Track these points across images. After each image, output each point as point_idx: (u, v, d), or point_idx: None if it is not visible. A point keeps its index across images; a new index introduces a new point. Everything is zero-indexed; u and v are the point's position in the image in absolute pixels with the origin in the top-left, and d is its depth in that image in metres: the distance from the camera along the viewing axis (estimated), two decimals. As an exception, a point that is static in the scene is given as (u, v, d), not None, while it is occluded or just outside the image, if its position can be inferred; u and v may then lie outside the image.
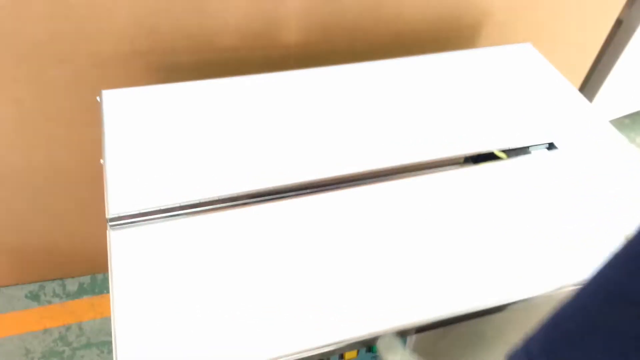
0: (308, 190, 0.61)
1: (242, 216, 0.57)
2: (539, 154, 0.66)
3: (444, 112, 0.71)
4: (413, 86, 0.75)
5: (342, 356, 0.54)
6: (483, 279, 0.53)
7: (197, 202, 0.58)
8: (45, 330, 1.06)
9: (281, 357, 0.46)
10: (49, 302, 1.11)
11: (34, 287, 1.13)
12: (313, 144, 0.66)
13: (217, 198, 0.58)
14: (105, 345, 1.04)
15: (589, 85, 1.33)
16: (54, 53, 0.74)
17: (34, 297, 1.11)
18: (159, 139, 0.64)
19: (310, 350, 0.47)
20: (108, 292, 0.49)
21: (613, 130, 0.70)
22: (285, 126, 0.68)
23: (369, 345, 0.52)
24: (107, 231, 0.54)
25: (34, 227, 0.98)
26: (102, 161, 0.61)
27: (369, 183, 0.62)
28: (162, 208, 0.56)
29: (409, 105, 0.72)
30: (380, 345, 0.49)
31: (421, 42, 0.90)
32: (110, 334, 0.48)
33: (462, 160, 0.66)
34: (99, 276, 1.15)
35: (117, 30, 0.73)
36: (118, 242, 0.53)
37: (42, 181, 0.90)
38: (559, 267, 0.54)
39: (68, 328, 1.07)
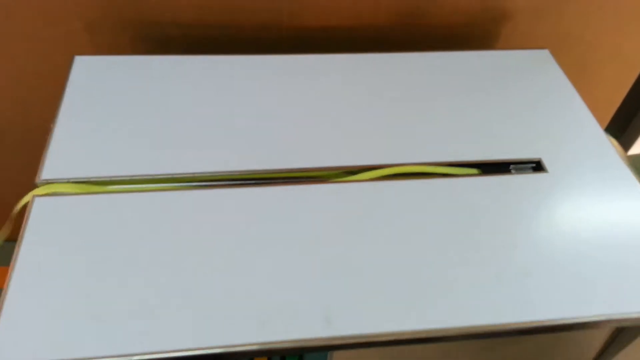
0: (266, 181, 0.57)
1: (182, 199, 0.54)
2: (521, 174, 0.59)
3: (431, 115, 0.65)
4: (405, 84, 0.69)
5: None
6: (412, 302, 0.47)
7: (133, 178, 0.55)
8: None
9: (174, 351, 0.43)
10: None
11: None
12: (283, 134, 0.62)
13: (156, 177, 0.56)
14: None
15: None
16: (44, 11, 0.74)
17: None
18: (118, 111, 0.62)
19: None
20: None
21: (620, 163, 0.61)
22: (258, 113, 0.64)
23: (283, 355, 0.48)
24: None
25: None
26: (52, 125, 0.60)
27: (322, 182, 0.57)
28: (94, 180, 0.54)
29: (393, 103, 0.66)
30: None
31: (430, 37, 0.83)
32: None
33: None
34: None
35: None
36: (39, 208, 0.51)
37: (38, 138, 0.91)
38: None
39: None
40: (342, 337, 0.45)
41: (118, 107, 0.62)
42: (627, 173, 0.60)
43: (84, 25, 0.76)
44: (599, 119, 1.02)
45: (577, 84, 0.92)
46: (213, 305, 0.45)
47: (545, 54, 0.75)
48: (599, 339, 0.55)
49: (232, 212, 0.53)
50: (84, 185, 0.54)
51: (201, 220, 0.52)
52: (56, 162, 0.56)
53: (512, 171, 0.59)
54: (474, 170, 0.59)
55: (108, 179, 0.55)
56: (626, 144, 1.45)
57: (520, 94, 0.68)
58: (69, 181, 0.54)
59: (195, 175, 0.56)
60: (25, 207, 0.52)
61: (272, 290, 0.47)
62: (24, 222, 0.50)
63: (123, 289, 0.46)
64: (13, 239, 0.55)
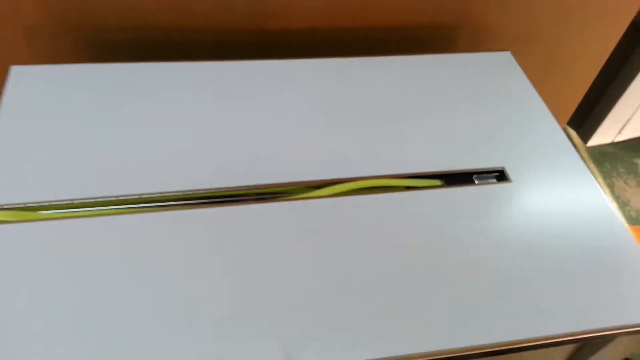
0: (221, 200, 0.54)
1: (129, 222, 0.50)
2: (485, 185, 0.57)
3: (392, 124, 0.63)
4: (364, 91, 0.66)
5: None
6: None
7: (75, 202, 0.51)
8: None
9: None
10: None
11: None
12: (239, 148, 0.58)
13: (101, 200, 0.52)
14: None
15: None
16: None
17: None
18: (59, 127, 0.57)
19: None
20: None
21: (583, 169, 0.60)
22: (211, 126, 0.60)
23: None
24: (-38, 227, 0.48)
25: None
26: (-16, 145, 0.55)
27: (270, 200, 0.54)
28: (32, 205, 0.50)
29: (352, 113, 0.64)
30: None
31: (388, 41, 0.81)
32: None
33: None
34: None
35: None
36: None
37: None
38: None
39: None
40: (304, 371, 0.42)
41: (59, 122, 0.58)
42: (590, 179, 0.59)
43: (22, 31, 0.71)
44: (562, 114, 1.02)
45: (542, 83, 0.92)
46: (158, 337, 0.42)
47: (507, 56, 0.74)
48: (561, 353, 0.55)
49: (182, 236, 0.49)
50: (20, 212, 0.50)
51: (150, 245, 0.48)
52: (-11, 188, 0.51)
53: (476, 181, 0.58)
54: (437, 182, 0.58)
55: (47, 204, 0.51)
56: (585, 136, 1.48)
57: (482, 100, 0.67)
58: (2, 208, 0.50)
59: (143, 196, 0.53)
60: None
61: (227, 322, 0.44)
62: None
63: (66, 318, 0.42)
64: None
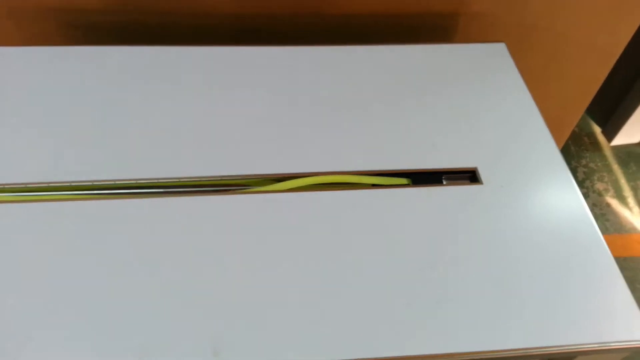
0: (175, 190, 0.53)
1: (84, 209, 0.50)
2: (453, 186, 0.54)
3: (365, 118, 0.60)
4: (338, 82, 0.64)
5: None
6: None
7: (28, 186, 0.51)
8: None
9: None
10: None
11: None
12: (202, 137, 0.57)
13: (56, 185, 0.51)
14: None
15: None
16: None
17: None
18: (19, 110, 0.58)
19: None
20: None
21: (563, 168, 0.56)
22: (175, 113, 0.59)
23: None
24: None
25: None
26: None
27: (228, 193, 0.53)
28: (-15, 188, 0.51)
29: (322, 105, 0.61)
30: None
31: (382, 29, 0.78)
32: None
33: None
34: None
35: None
36: None
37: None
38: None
39: None
40: (230, 371, 0.41)
41: (26, 104, 0.58)
42: (572, 185, 0.55)
43: (6, 11, 0.71)
44: (573, 112, 0.96)
45: (545, 77, 0.86)
46: (89, 331, 0.42)
47: (501, 48, 0.69)
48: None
49: (135, 224, 0.48)
50: (-27, 194, 0.50)
51: (101, 232, 0.48)
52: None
53: (444, 182, 0.54)
54: (404, 180, 0.55)
55: (1, 187, 0.51)
56: (610, 134, 1.40)
57: (465, 94, 0.63)
58: (-44, 190, 0.50)
59: (99, 184, 0.52)
60: None
61: (157, 317, 0.43)
62: None
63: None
64: None
